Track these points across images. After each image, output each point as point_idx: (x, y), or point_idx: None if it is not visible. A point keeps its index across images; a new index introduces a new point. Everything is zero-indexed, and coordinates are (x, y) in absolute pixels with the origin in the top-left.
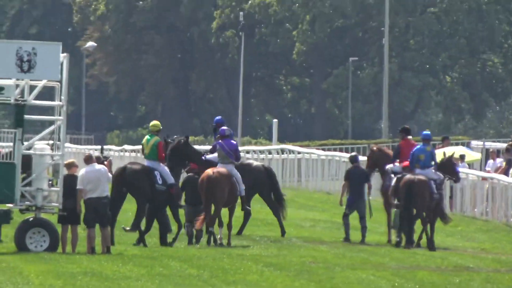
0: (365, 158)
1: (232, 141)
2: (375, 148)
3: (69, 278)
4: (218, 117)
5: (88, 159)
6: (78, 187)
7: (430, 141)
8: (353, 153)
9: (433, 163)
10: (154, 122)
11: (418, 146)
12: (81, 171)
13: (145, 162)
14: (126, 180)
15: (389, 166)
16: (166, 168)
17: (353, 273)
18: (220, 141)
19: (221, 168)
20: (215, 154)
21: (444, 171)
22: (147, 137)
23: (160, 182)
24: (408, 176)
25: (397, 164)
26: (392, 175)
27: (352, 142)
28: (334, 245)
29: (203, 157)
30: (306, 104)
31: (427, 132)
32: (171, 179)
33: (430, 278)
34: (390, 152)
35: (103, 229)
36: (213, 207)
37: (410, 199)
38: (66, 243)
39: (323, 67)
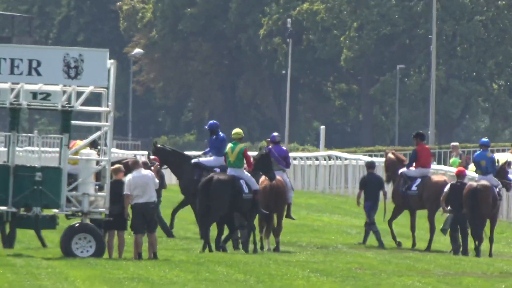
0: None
1: (283, 147)
2: (390, 153)
3: (115, 283)
4: (212, 121)
5: (135, 164)
6: (125, 192)
7: (489, 147)
8: (370, 159)
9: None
10: (237, 130)
11: (478, 152)
12: (128, 177)
13: (229, 171)
14: (211, 190)
15: (403, 170)
16: (249, 174)
17: (399, 280)
18: (270, 147)
19: (279, 177)
20: (208, 158)
21: (497, 178)
22: (230, 145)
23: (246, 190)
24: (471, 183)
25: (412, 168)
26: (418, 180)
27: (399, 148)
28: (380, 251)
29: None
30: (354, 111)
31: (485, 139)
32: (255, 186)
33: (476, 284)
34: (404, 157)
35: (150, 235)
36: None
37: (474, 206)
38: (112, 248)
39: (370, 74)
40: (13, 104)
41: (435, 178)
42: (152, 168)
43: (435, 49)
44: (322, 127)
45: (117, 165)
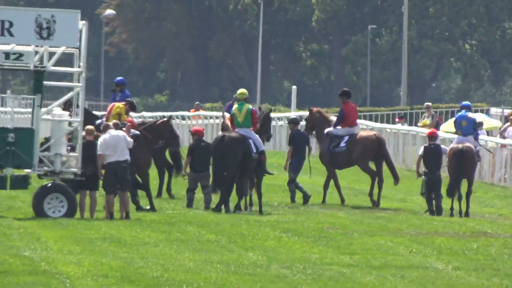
0: (379, 124)
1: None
2: (315, 110)
3: (87, 244)
4: (119, 78)
5: (106, 127)
6: (98, 152)
7: (470, 109)
8: (293, 116)
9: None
10: (242, 90)
11: (460, 113)
12: (101, 138)
13: (236, 130)
14: (224, 149)
15: (329, 130)
16: (256, 135)
17: (371, 239)
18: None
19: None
20: None
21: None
22: (236, 105)
23: (254, 150)
24: (454, 144)
25: (339, 127)
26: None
27: (371, 109)
28: (352, 211)
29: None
30: (325, 71)
31: (466, 102)
32: (262, 146)
33: (448, 244)
34: (329, 116)
35: (122, 194)
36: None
37: (460, 167)
38: (84, 209)
39: (342, 34)
40: None
41: (364, 133)
42: (124, 128)
43: (407, 10)
44: (294, 87)
45: (89, 126)
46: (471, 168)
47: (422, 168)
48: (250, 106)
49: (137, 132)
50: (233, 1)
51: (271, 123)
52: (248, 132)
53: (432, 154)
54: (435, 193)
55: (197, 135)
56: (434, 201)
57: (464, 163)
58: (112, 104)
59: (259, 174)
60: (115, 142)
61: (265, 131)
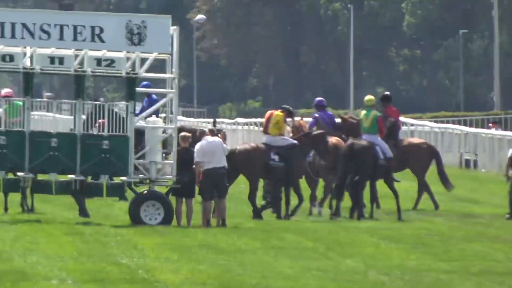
0: (473, 129)
1: (329, 111)
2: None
3: (184, 251)
4: (145, 82)
5: (202, 134)
6: (195, 159)
7: None
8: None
9: None
10: (369, 96)
11: None
12: (197, 145)
13: (363, 136)
14: (354, 156)
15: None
16: (383, 141)
17: (469, 246)
18: (320, 112)
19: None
20: None
21: None
22: (364, 111)
23: (381, 157)
24: None
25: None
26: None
27: (464, 114)
28: (449, 217)
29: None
30: (418, 76)
31: None
32: (390, 153)
33: None
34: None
35: (219, 201)
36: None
37: None
38: (181, 216)
39: (433, 39)
40: (78, 71)
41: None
42: (220, 135)
43: (498, 14)
44: (387, 92)
45: (184, 133)
46: None
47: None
48: (377, 113)
49: (294, 141)
50: (324, 6)
51: (399, 130)
52: (374, 139)
53: None
54: None
55: None
56: None
57: None
58: (270, 112)
59: (388, 181)
60: (212, 149)
61: (392, 138)
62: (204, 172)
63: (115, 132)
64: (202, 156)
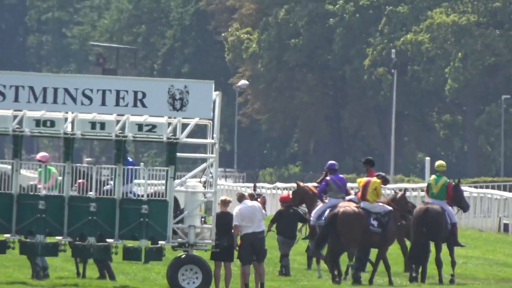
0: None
1: (340, 175)
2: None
3: None
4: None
5: (241, 197)
6: (234, 223)
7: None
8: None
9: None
10: (441, 162)
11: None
12: (236, 208)
13: (431, 201)
14: (429, 221)
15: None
16: (449, 207)
17: None
18: (332, 175)
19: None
20: None
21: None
22: (434, 177)
23: (449, 222)
24: None
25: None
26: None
27: (505, 179)
28: (487, 281)
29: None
30: (459, 142)
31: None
32: (455, 218)
33: None
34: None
35: (258, 265)
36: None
37: None
38: (219, 279)
39: (475, 104)
40: (119, 136)
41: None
42: (259, 199)
43: None
44: (427, 158)
45: (224, 197)
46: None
47: None
48: (447, 180)
49: (390, 207)
50: (367, 72)
51: (463, 194)
52: (442, 204)
53: None
54: None
55: (285, 202)
56: None
57: None
58: (367, 179)
59: (450, 245)
60: (251, 213)
61: (456, 203)
62: (243, 236)
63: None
64: (241, 220)
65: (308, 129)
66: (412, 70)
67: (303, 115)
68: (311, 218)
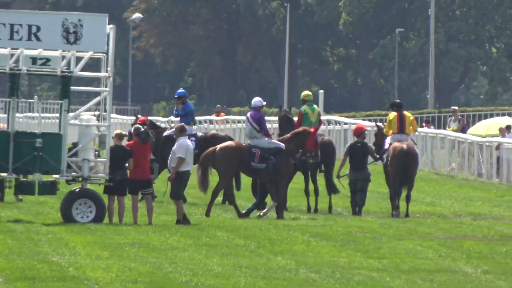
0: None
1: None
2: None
3: (116, 249)
4: (180, 90)
5: (182, 131)
6: (179, 155)
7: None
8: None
9: None
10: (308, 92)
11: None
12: (178, 142)
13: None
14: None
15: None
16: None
17: (400, 243)
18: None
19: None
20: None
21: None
22: (306, 106)
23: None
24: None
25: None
26: None
27: None
28: (380, 215)
29: None
30: (352, 75)
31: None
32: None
33: (477, 247)
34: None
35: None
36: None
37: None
38: (113, 213)
39: (369, 38)
40: (13, 69)
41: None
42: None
43: (434, 13)
44: (321, 91)
45: (119, 131)
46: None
47: None
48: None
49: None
50: (261, 5)
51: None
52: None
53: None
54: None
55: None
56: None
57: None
58: (400, 114)
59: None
60: (190, 152)
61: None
62: (183, 174)
63: None
64: (184, 155)
65: (202, 63)
66: (306, 4)
67: (197, 48)
68: None
